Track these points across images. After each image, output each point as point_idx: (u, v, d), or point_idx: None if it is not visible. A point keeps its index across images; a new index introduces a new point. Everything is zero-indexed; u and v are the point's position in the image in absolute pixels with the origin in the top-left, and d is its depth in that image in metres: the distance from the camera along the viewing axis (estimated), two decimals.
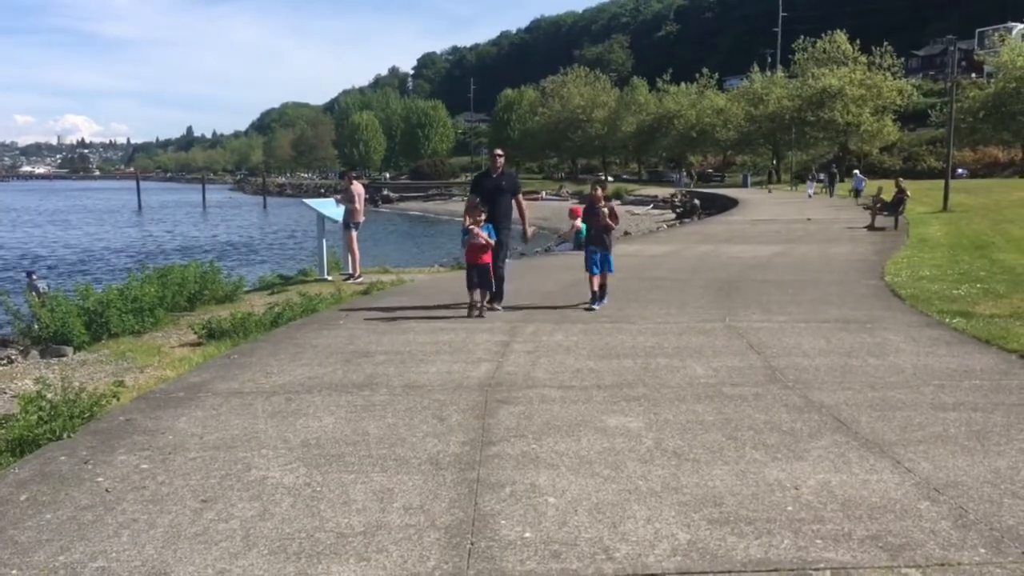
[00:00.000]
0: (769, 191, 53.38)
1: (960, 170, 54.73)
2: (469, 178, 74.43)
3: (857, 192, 38.64)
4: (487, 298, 9.88)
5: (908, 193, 24.52)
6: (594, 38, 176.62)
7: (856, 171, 44.80)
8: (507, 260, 10.77)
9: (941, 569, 3.41)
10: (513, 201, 10.45)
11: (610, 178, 75.25)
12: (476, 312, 9.63)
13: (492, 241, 9.66)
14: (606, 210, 10.07)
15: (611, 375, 6.83)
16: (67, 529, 3.94)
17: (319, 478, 4.54)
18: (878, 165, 61.89)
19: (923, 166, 59.66)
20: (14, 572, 3.52)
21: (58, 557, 3.64)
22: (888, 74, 59.77)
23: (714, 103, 72.35)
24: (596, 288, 10.20)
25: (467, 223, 9.70)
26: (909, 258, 15.74)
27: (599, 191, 10.33)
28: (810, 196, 44.00)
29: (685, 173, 72.26)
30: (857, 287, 12.09)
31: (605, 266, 10.23)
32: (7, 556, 3.66)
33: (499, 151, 10.76)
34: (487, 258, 9.62)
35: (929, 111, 59.67)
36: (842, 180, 55.52)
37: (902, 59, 64.85)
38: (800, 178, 56.82)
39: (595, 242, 10.18)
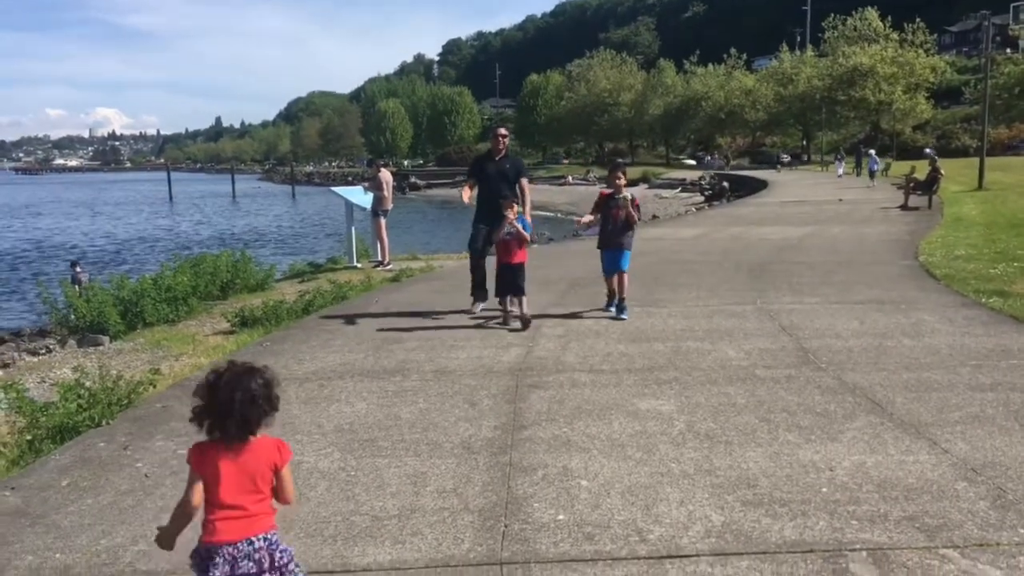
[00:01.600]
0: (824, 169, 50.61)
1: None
2: None
3: (871, 173, 36.86)
4: (520, 304, 8.40)
5: (942, 172, 24.12)
6: (620, 21, 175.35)
7: (871, 151, 42.95)
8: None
9: (980, 549, 3.38)
10: (517, 188, 8.99)
11: (630, 162, 74.64)
12: (513, 322, 8.21)
13: (528, 235, 8.40)
14: (628, 197, 8.44)
15: (642, 358, 6.82)
16: (108, 513, 4.02)
17: (353, 462, 4.59)
18: (911, 144, 60.94)
19: (957, 144, 58.64)
20: (58, 556, 3.60)
21: (100, 541, 3.72)
22: (920, 51, 58.74)
23: (743, 84, 71.52)
24: (614, 287, 8.63)
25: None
26: (944, 237, 15.50)
27: (621, 177, 8.57)
28: (840, 176, 43.36)
29: (718, 155, 71.10)
30: (891, 267, 11.93)
31: (622, 263, 8.49)
32: (51, 540, 3.75)
33: (502, 130, 9.34)
34: (522, 256, 8.30)
35: (963, 88, 58.67)
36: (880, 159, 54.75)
37: (934, 35, 63.67)
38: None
39: (610, 242, 8.54)
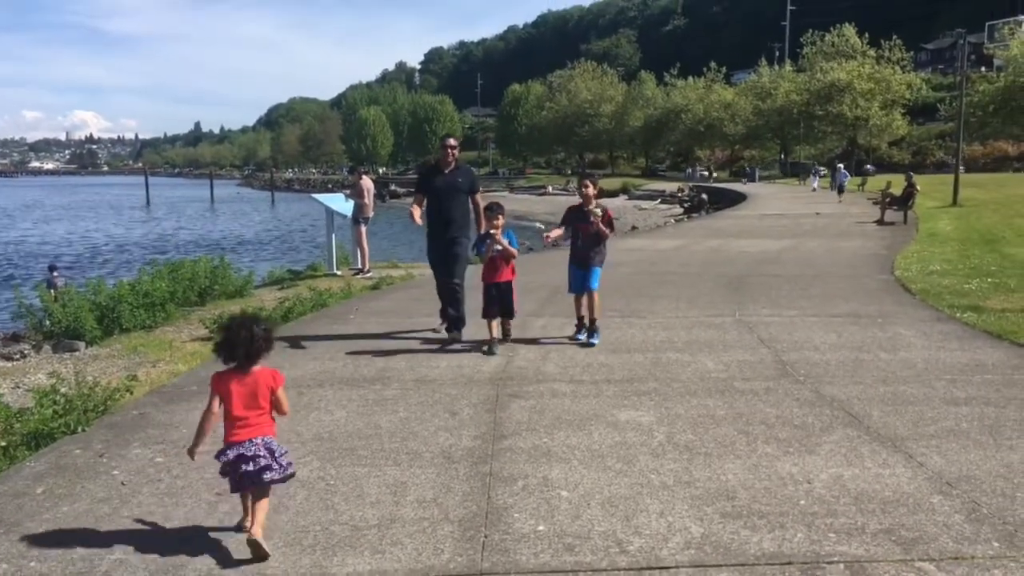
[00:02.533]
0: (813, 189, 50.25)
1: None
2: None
3: (839, 188, 36.28)
4: (506, 326, 7.88)
5: (918, 187, 24.42)
6: (601, 32, 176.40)
7: (840, 165, 42.74)
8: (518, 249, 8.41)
9: (955, 562, 3.42)
10: (470, 202, 8.27)
11: (602, 173, 74.91)
12: (492, 347, 7.48)
13: (516, 251, 7.68)
14: (599, 212, 7.68)
15: (622, 369, 6.84)
16: (84, 521, 3.97)
17: (332, 471, 4.57)
18: (887, 159, 61.72)
19: (932, 160, 59.44)
20: (32, 564, 3.55)
21: (76, 549, 3.68)
22: (897, 68, 59.52)
23: (722, 97, 72.18)
24: (583, 312, 7.92)
25: (483, 227, 7.83)
26: (919, 252, 15.68)
27: (590, 187, 7.80)
28: (815, 190, 43.76)
29: (702, 167, 71.13)
30: (867, 282, 12.06)
31: (593, 282, 7.77)
32: (25, 548, 3.70)
33: (451, 140, 8.34)
34: (510, 274, 7.65)
35: (938, 105, 59.40)
36: (852, 174, 55.32)
37: (911, 53, 64.57)
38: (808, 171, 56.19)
39: (579, 258, 7.86)
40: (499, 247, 7.51)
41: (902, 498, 4.09)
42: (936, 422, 5.32)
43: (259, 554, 3.53)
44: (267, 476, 3.63)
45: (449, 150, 8.16)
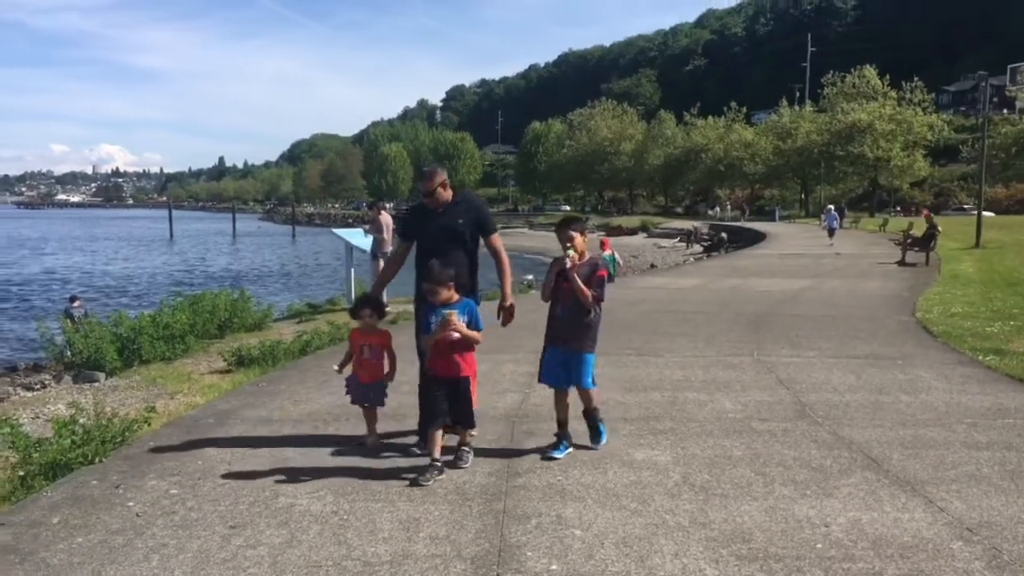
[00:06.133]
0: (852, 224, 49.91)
1: (967, 206, 53.88)
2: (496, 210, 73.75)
3: (830, 231, 34.74)
4: (464, 437, 5.40)
5: (939, 228, 24.29)
6: (622, 72, 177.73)
7: (830, 206, 41.43)
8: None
9: None
10: (488, 249, 5.79)
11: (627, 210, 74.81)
12: (435, 472, 5.01)
13: (478, 336, 5.22)
14: (573, 254, 5.34)
15: (638, 408, 6.81)
16: (98, 552, 3.98)
17: (346, 506, 4.56)
18: (908, 200, 61.53)
19: (955, 201, 59.19)
20: None
21: None
22: (918, 109, 59.59)
23: (742, 137, 72.45)
24: (563, 415, 5.55)
25: (433, 298, 5.20)
26: (941, 294, 15.55)
27: (577, 235, 5.40)
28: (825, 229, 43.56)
29: (728, 204, 70.39)
30: (888, 323, 11.97)
31: (583, 378, 5.45)
32: None
33: (430, 185, 5.67)
34: (467, 367, 5.21)
35: (960, 147, 59.33)
36: (872, 215, 55.25)
37: (932, 94, 64.65)
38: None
39: (558, 334, 5.48)
40: (455, 333, 5.10)
41: (921, 543, 4.02)
42: (957, 466, 5.25)
43: None
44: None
45: (426, 199, 5.69)
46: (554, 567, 3.78)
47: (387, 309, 14.17)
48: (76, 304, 17.65)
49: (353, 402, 5.91)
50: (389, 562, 3.84)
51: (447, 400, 5.13)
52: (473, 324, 5.18)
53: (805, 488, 4.83)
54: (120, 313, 12.10)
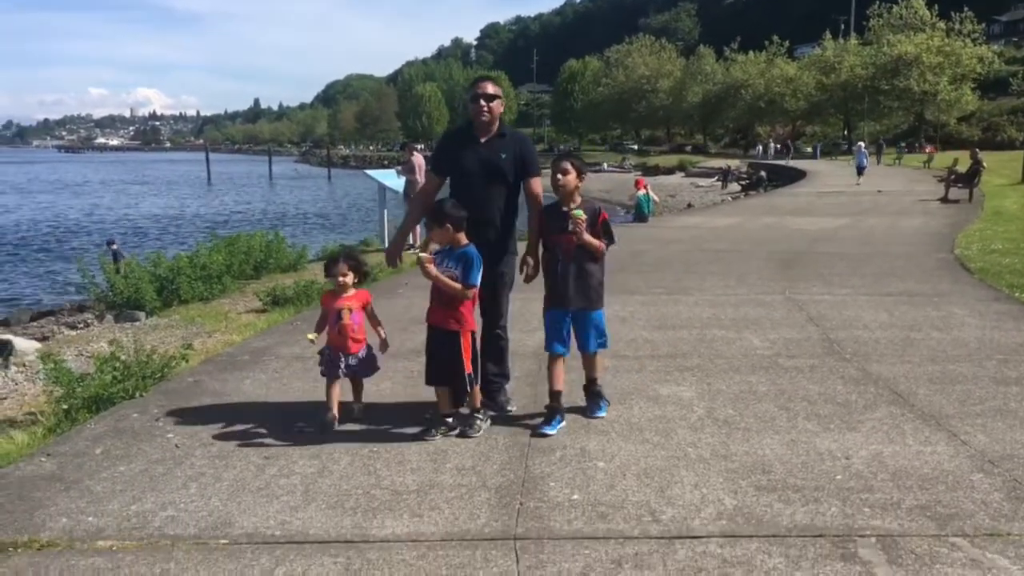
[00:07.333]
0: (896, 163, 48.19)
1: None
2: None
3: (859, 170, 32.71)
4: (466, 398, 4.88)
5: (984, 164, 23.69)
6: (660, 6, 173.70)
7: (861, 143, 39.43)
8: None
9: (990, 539, 3.39)
10: (525, 193, 5.10)
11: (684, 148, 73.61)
12: (438, 429, 4.74)
13: (469, 289, 4.64)
14: (581, 214, 4.69)
15: (666, 345, 6.85)
16: (139, 481, 4.16)
17: (376, 439, 4.69)
18: (955, 135, 59.84)
19: (1003, 136, 57.45)
20: (90, 519, 3.74)
21: (130, 506, 3.86)
22: (968, 40, 57.64)
23: (784, 72, 70.64)
24: (559, 386, 4.88)
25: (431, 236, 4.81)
26: (982, 231, 15.27)
27: (570, 173, 4.76)
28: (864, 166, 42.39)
29: (774, 144, 68.12)
30: (925, 260, 11.80)
31: (588, 340, 4.94)
32: (84, 504, 3.90)
33: (488, 86, 5.00)
34: (453, 321, 4.68)
35: (1011, 79, 57.33)
36: (911, 151, 53.89)
37: (983, 25, 62.38)
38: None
39: (561, 292, 4.84)
40: (438, 280, 4.63)
41: (941, 475, 4.05)
42: (983, 401, 5.24)
43: None
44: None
45: (482, 103, 4.93)
46: (576, 496, 3.88)
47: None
48: (114, 247, 18.01)
49: (325, 375, 4.97)
50: (416, 491, 3.97)
51: (439, 359, 4.75)
52: (462, 278, 4.61)
53: (828, 422, 4.87)
54: (159, 254, 12.33)
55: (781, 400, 5.32)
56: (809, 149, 66.17)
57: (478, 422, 4.79)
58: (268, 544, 3.47)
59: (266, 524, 3.65)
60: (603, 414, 5.03)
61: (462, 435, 4.71)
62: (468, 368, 4.70)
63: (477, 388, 4.82)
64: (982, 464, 4.20)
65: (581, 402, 5.16)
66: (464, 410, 4.88)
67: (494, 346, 5.23)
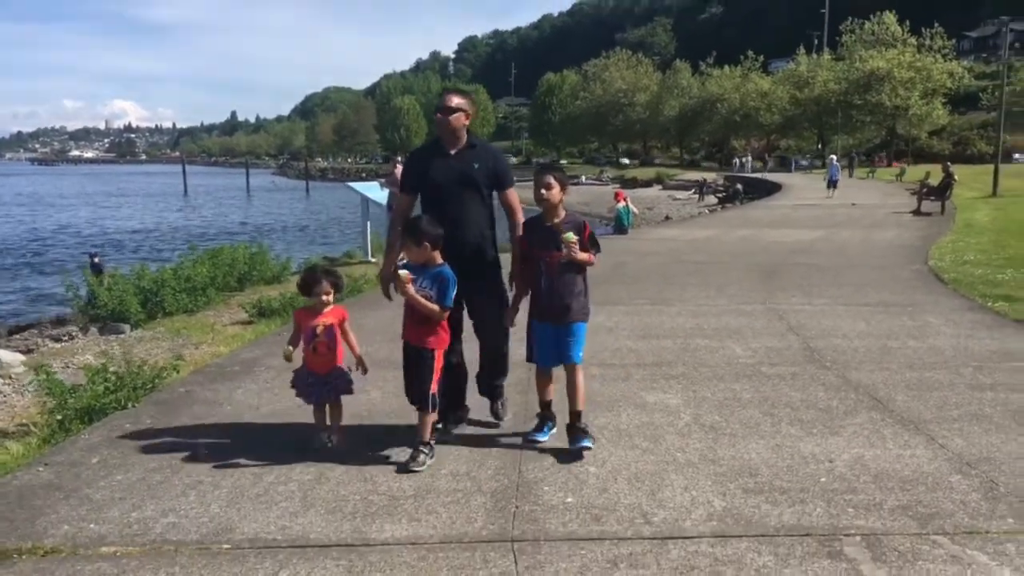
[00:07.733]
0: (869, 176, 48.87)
1: (1016, 155, 53.18)
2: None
3: (831, 183, 32.57)
4: (448, 419, 5.02)
5: (955, 177, 24.15)
6: (636, 21, 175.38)
7: (832, 156, 39.32)
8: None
9: (969, 537, 3.54)
10: (503, 205, 5.06)
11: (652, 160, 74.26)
12: (419, 457, 4.44)
13: (433, 308, 4.51)
14: (572, 237, 4.58)
15: (651, 354, 6.99)
16: (138, 489, 4.21)
17: (371, 446, 4.77)
18: (926, 149, 60.85)
19: (973, 150, 58.47)
20: (92, 526, 3.79)
21: (131, 514, 3.91)
22: (938, 56, 58.68)
23: (758, 86, 71.60)
24: (549, 396, 4.90)
25: (406, 253, 4.67)
26: (954, 243, 15.59)
27: (554, 188, 4.66)
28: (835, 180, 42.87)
29: (749, 157, 68.96)
30: (900, 271, 12.05)
31: (572, 351, 4.67)
32: (84, 512, 3.95)
33: (454, 98, 4.90)
34: (427, 337, 4.60)
35: (980, 94, 58.45)
36: (889, 164, 54.70)
37: (953, 41, 63.55)
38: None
39: (548, 306, 4.69)
40: (413, 299, 4.52)
41: (921, 477, 4.20)
42: (960, 407, 5.41)
43: None
44: None
45: (447, 116, 4.83)
46: (569, 500, 3.98)
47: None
48: (96, 260, 17.93)
49: (308, 401, 4.86)
50: (413, 496, 4.06)
51: (413, 374, 4.63)
52: (437, 299, 4.49)
53: (811, 427, 5.01)
54: (142, 266, 12.33)
55: (765, 406, 5.46)
56: (805, 162, 66.90)
57: (421, 455, 4.44)
58: (270, 548, 3.54)
59: (267, 529, 3.72)
60: (589, 444, 4.59)
61: (402, 470, 4.37)
62: (433, 388, 4.51)
63: (432, 415, 4.55)
64: (960, 466, 4.35)
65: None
66: (439, 424, 4.81)
67: (501, 363, 5.34)
